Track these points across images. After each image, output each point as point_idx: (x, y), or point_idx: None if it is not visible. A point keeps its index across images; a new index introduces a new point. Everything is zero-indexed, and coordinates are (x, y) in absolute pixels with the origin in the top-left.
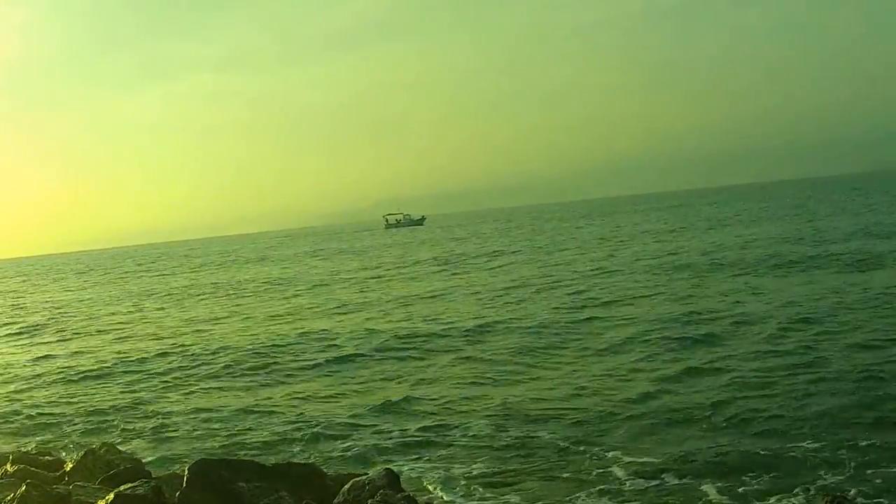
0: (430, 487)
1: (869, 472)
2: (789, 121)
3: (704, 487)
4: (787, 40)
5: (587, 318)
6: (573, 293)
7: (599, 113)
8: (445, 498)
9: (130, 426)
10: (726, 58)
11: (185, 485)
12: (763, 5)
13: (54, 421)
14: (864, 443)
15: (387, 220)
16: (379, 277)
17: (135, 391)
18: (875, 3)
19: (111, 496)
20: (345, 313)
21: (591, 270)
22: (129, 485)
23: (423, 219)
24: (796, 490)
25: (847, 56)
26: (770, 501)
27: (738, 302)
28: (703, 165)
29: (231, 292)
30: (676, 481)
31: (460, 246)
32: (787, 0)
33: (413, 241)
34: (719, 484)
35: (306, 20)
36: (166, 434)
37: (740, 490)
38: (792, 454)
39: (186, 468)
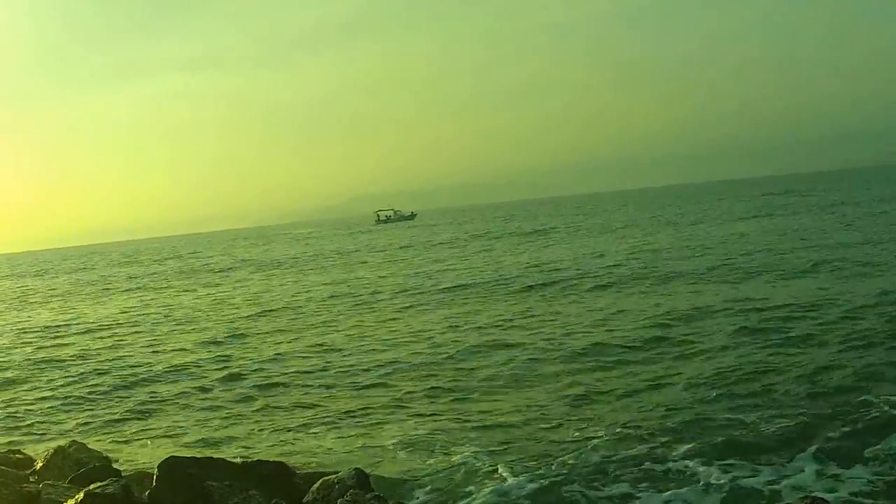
0: (400, 486)
1: (849, 472)
2: (757, 120)
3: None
4: (756, 41)
5: None
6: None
7: (570, 111)
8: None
9: (101, 424)
10: (695, 58)
11: (154, 483)
12: (732, 7)
13: (25, 418)
14: (847, 442)
15: (378, 216)
16: None
17: (102, 390)
18: (842, 5)
19: (81, 495)
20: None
21: None
22: (99, 483)
23: (413, 214)
24: (776, 488)
25: (814, 57)
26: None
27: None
28: (680, 162)
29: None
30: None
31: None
32: (755, 1)
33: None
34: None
35: (280, 20)
36: (136, 432)
37: (723, 480)
38: (777, 444)
39: (156, 466)
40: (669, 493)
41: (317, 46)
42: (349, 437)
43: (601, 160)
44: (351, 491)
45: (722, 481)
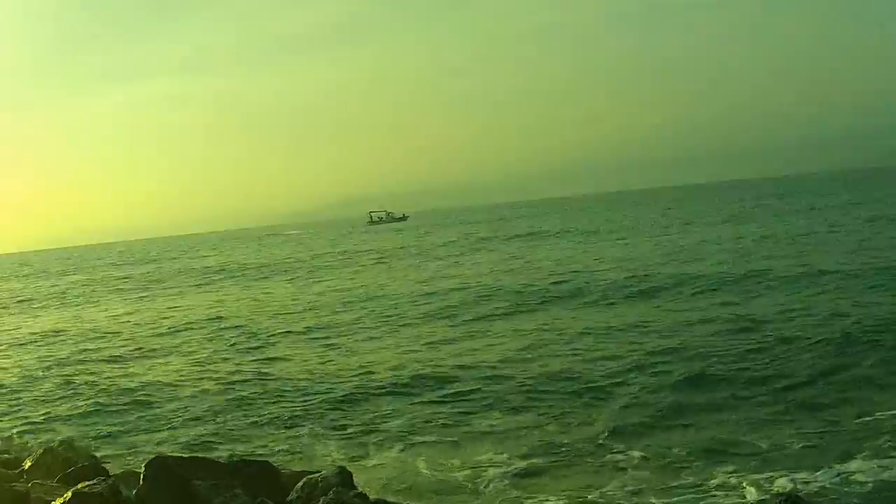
0: (382, 484)
1: (820, 469)
2: (745, 123)
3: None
4: (742, 43)
5: None
6: None
7: (558, 114)
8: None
9: (89, 424)
10: (682, 61)
11: (141, 482)
12: (718, 9)
13: (14, 418)
14: (819, 439)
15: (371, 217)
16: None
17: (91, 391)
18: (827, 9)
19: (69, 494)
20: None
21: None
22: (87, 483)
23: (405, 216)
24: (748, 485)
25: (801, 59)
26: (720, 497)
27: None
28: (665, 165)
29: None
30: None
31: None
32: (742, 3)
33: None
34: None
35: (269, 23)
36: (123, 431)
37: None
38: (744, 449)
39: (143, 466)
40: None
41: (306, 49)
42: (343, 438)
43: (588, 163)
44: (334, 489)
45: (761, 495)
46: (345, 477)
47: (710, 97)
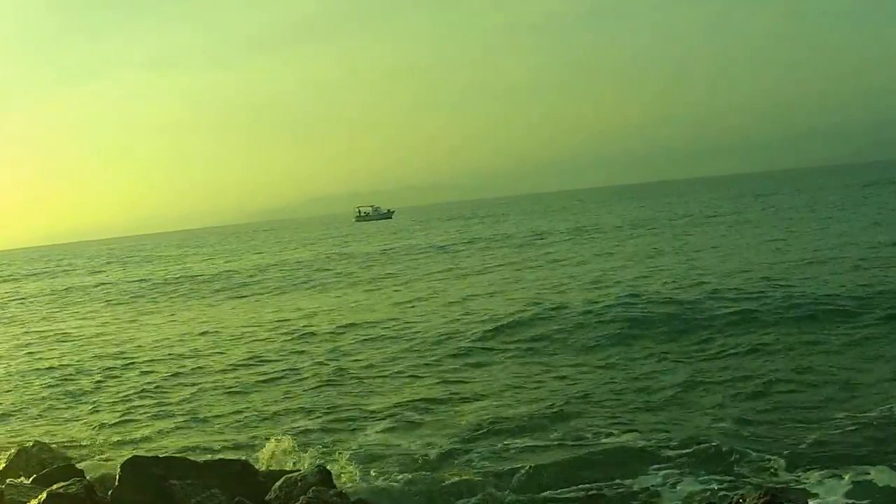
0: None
1: (802, 465)
2: (738, 120)
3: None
4: (719, 40)
5: None
6: None
7: (529, 112)
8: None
9: (63, 426)
10: (670, 58)
11: (117, 483)
12: (682, 8)
13: None
14: (800, 438)
15: (359, 212)
16: None
17: (71, 392)
18: (797, 6)
19: (44, 495)
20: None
21: None
22: (62, 484)
23: (390, 212)
24: (730, 482)
25: (760, 58)
26: (703, 494)
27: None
28: (651, 161)
29: None
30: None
31: None
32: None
33: None
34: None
35: (238, 19)
36: (99, 433)
37: (668, 479)
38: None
39: (119, 466)
40: None
41: (275, 45)
42: (322, 437)
43: (580, 160)
44: (314, 488)
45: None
46: (324, 476)
47: (696, 94)
